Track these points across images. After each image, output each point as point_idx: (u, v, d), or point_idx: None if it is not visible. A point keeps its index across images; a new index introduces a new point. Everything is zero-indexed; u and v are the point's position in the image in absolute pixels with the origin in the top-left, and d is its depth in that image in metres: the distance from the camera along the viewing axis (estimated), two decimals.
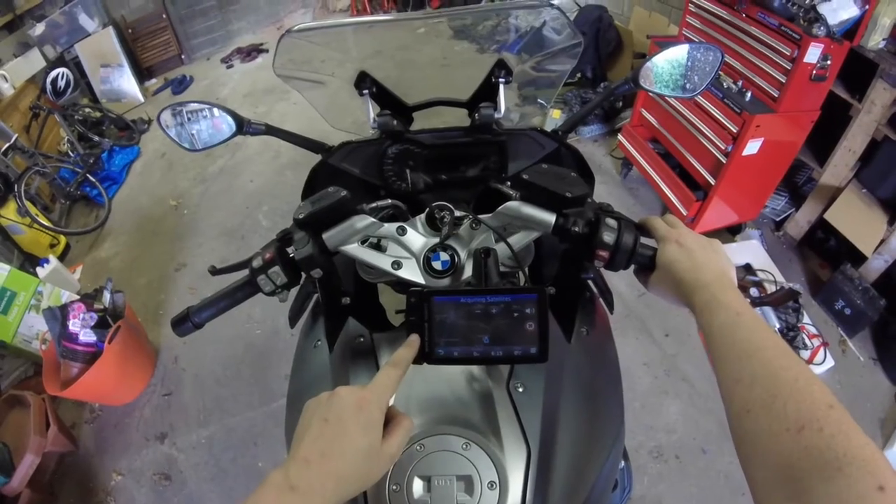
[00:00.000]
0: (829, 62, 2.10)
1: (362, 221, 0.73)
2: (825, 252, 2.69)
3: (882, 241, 2.26)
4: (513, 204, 0.72)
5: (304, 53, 1.03)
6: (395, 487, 0.62)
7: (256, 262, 0.75)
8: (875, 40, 2.08)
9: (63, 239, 3.50)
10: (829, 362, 2.25)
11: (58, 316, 2.21)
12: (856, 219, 2.38)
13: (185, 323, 0.77)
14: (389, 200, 0.87)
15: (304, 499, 0.45)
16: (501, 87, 0.98)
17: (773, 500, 0.42)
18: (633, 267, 0.72)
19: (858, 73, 2.21)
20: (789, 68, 2.14)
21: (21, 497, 1.97)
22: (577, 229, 0.69)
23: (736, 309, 0.56)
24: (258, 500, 0.45)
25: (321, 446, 0.48)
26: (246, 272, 0.77)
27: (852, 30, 2.08)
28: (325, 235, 0.73)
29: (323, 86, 1.08)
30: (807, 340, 2.30)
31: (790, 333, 2.30)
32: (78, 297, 2.45)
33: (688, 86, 0.88)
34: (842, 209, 2.45)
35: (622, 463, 1.09)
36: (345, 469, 0.48)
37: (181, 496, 2.08)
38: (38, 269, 2.88)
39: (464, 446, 0.63)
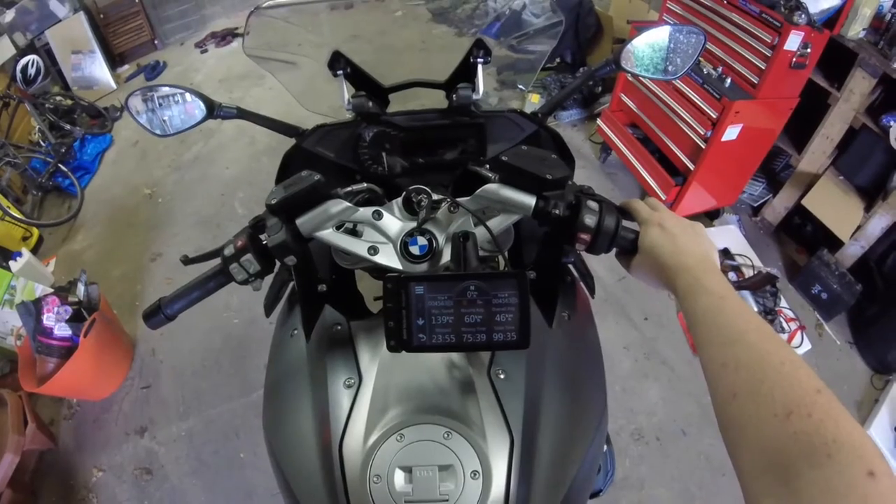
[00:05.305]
0: (809, 50, 2.12)
1: (337, 206, 0.71)
2: (802, 237, 2.73)
3: (858, 228, 2.29)
4: (491, 186, 0.70)
5: (276, 35, 1.00)
6: (375, 479, 0.60)
7: (228, 251, 0.72)
8: (855, 30, 2.10)
9: (36, 231, 3.40)
10: (806, 345, 2.30)
11: (32, 311, 2.15)
12: (833, 205, 2.42)
13: (157, 315, 0.75)
14: (365, 184, 0.85)
15: None
16: (480, 67, 0.95)
17: (760, 486, 0.41)
18: (614, 250, 0.71)
19: (838, 62, 2.23)
20: (769, 55, 2.16)
21: (2, 497, 1.92)
22: (557, 212, 0.68)
23: (719, 293, 0.55)
24: None
25: None
26: (218, 261, 0.74)
27: (833, 19, 2.11)
28: (298, 221, 0.71)
29: (297, 68, 1.04)
30: (784, 324, 2.35)
31: (768, 317, 2.33)
32: (52, 290, 2.39)
33: (670, 68, 0.87)
34: (819, 195, 2.48)
35: (605, 447, 1.09)
36: None
37: (163, 490, 2.05)
38: (11, 263, 2.79)
39: (445, 435, 0.62)
